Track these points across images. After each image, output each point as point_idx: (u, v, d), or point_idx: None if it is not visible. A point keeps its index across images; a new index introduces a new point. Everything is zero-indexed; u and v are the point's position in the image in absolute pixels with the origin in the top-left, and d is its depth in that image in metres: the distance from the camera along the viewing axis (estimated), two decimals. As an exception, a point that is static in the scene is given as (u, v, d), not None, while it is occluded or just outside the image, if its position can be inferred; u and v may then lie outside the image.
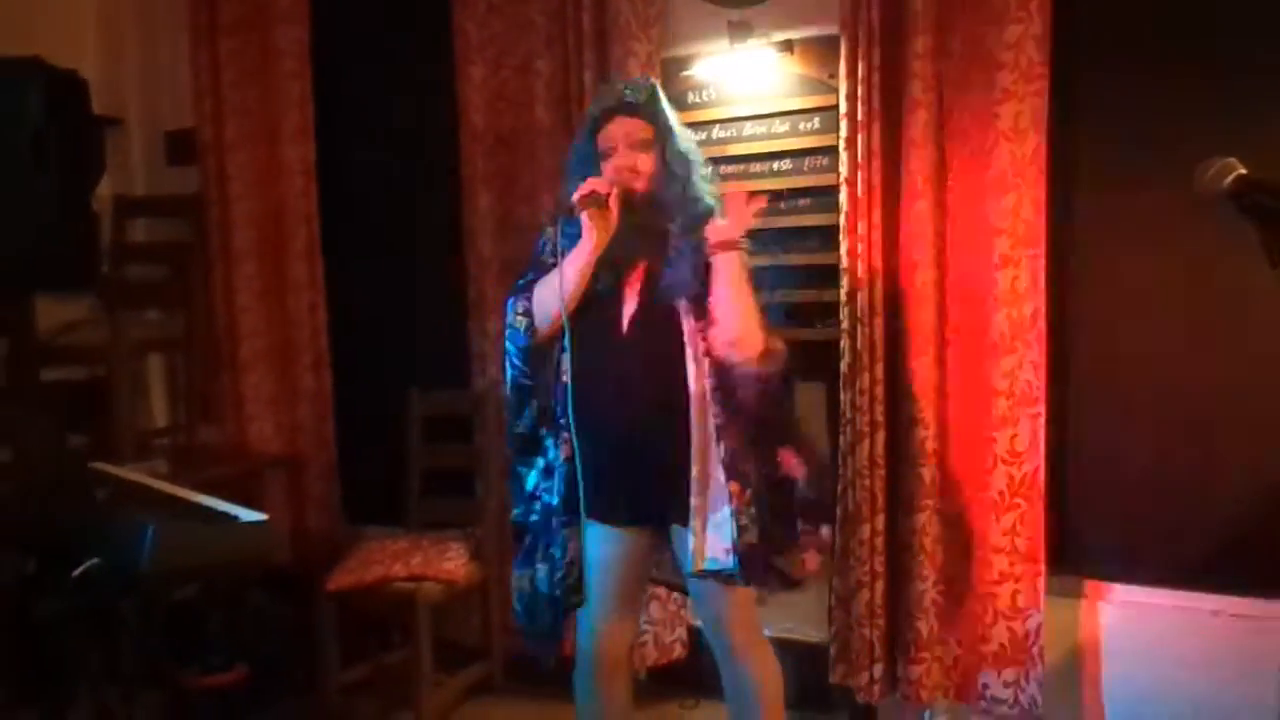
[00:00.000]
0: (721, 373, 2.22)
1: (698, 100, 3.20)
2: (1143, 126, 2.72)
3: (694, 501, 2.21)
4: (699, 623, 2.45)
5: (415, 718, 3.10)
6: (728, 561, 2.19)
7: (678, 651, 3.21)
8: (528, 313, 2.32)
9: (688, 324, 2.24)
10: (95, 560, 2.14)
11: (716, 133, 3.18)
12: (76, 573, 2.15)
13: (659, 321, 2.26)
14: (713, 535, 2.21)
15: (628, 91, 2.30)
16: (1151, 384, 2.79)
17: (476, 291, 3.44)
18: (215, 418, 3.94)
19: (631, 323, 2.28)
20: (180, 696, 3.28)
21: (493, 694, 3.38)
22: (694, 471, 2.21)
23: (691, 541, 2.21)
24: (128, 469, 2.75)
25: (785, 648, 3.19)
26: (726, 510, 2.19)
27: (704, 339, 2.22)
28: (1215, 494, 2.73)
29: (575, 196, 2.19)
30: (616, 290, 2.30)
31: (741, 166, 3.16)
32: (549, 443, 2.35)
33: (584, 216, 2.20)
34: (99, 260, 3.74)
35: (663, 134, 2.28)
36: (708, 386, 2.22)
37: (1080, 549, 2.89)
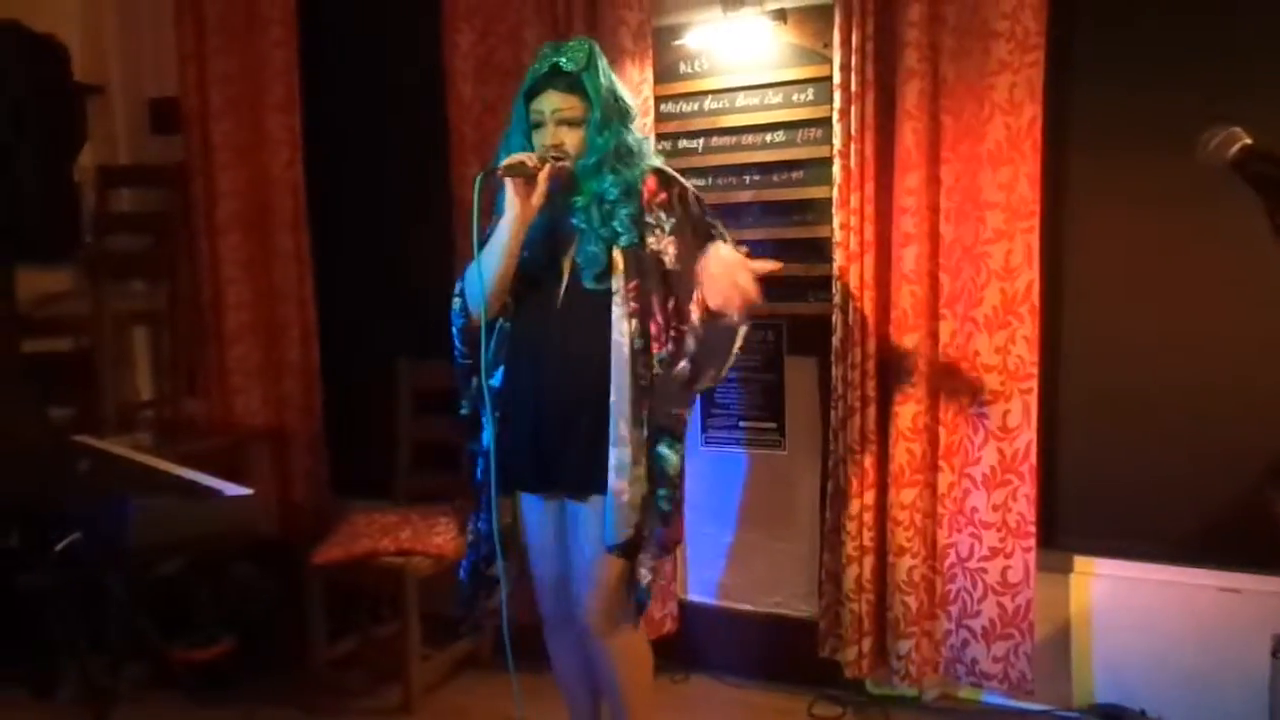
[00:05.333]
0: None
1: (689, 70, 3.16)
2: (1141, 99, 2.70)
3: (614, 479, 2.20)
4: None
5: (404, 691, 3.10)
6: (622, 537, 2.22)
7: (668, 626, 3.21)
8: (462, 293, 2.32)
9: (618, 282, 2.20)
10: (78, 534, 2.12)
11: (709, 104, 3.14)
12: (60, 546, 2.13)
13: (591, 296, 2.23)
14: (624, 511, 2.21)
15: (563, 60, 2.21)
16: (1145, 359, 2.78)
17: (465, 263, 3.39)
18: (201, 390, 3.90)
19: (564, 300, 2.27)
20: (167, 670, 3.27)
21: (481, 668, 3.38)
22: (614, 451, 2.19)
23: (613, 515, 2.21)
24: (112, 441, 2.73)
25: (774, 622, 3.22)
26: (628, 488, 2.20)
27: (635, 298, 2.18)
28: (1206, 469, 2.73)
29: (500, 166, 2.16)
30: (558, 264, 2.29)
31: (734, 138, 3.12)
32: (486, 421, 2.34)
33: (508, 188, 2.17)
34: (81, 231, 3.70)
35: (593, 107, 2.21)
36: (636, 348, 2.18)
37: (1071, 524, 2.90)
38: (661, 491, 2.23)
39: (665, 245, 2.23)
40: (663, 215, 2.25)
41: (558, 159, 2.20)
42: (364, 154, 3.79)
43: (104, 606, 2.97)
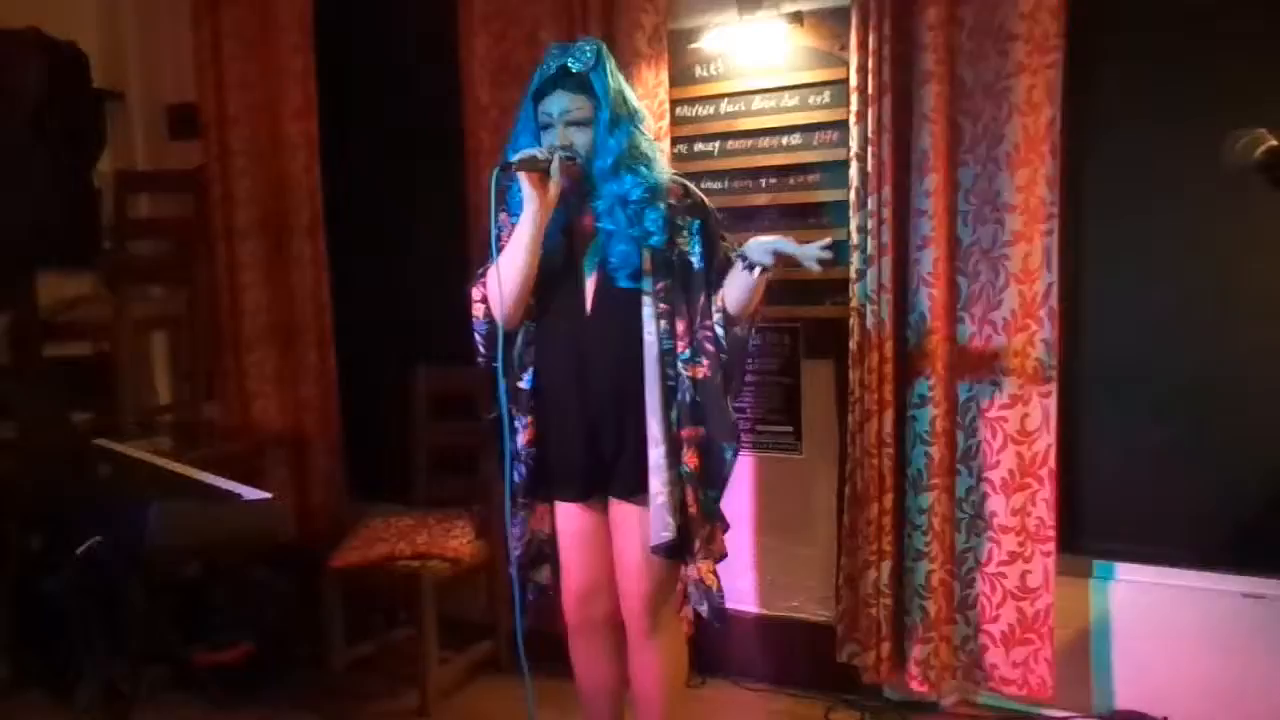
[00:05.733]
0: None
1: (705, 73, 3.15)
2: (1161, 100, 2.68)
3: (653, 480, 2.22)
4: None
5: (421, 695, 3.10)
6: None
7: (685, 630, 3.19)
8: (484, 299, 2.31)
9: (649, 283, 2.22)
10: (98, 538, 2.12)
11: (725, 107, 3.13)
12: (80, 550, 2.13)
13: (622, 297, 2.24)
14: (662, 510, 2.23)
15: (571, 61, 2.21)
16: (1165, 363, 2.76)
17: (480, 266, 3.40)
18: (219, 394, 3.93)
19: (595, 302, 2.27)
20: (186, 673, 3.29)
21: (498, 671, 3.38)
22: (652, 452, 2.21)
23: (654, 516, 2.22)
24: (131, 446, 2.73)
25: (792, 627, 3.21)
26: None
27: (664, 298, 2.22)
28: (1229, 473, 2.71)
29: (514, 160, 2.15)
30: (577, 265, 2.28)
31: (750, 141, 3.11)
32: (517, 425, 2.33)
33: (523, 184, 2.16)
34: (101, 236, 3.73)
35: (601, 108, 2.21)
36: (664, 348, 2.22)
37: (1091, 529, 2.88)
38: (712, 493, 2.28)
39: (691, 246, 2.26)
40: (688, 217, 2.27)
41: (568, 157, 2.19)
42: (380, 159, 3.81)
43: (124, 610, 2.98)
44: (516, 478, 2.35)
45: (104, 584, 2.92)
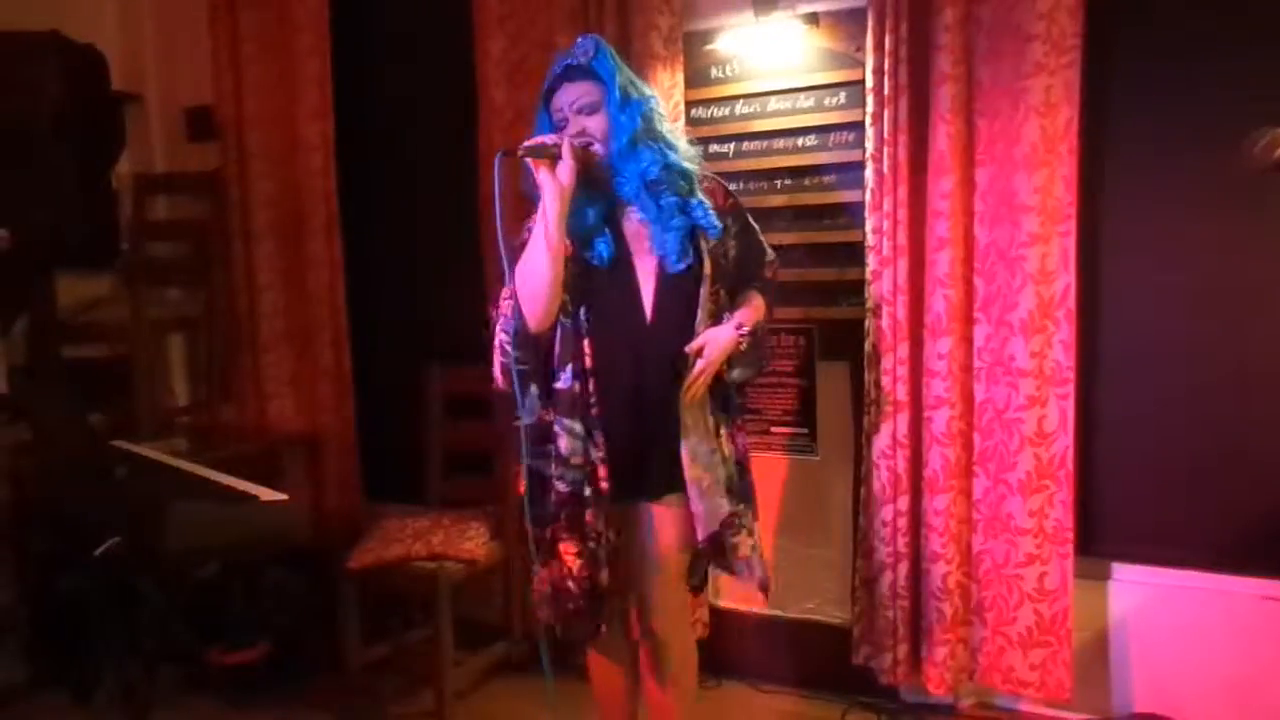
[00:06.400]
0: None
1: (721, 75, 3.15)
2: (1179, 100, 2.67)
3: (692, 468, 2.24)
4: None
5: (437, 696, 3.10)
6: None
7: (699, 631, 3.19)
8: (513, 295, 2.21)
9: (705, 289, 2.26)
10: (116, 539, 2.14)
11: (740, 108, 3.13)
12: (98, 551, 2.14)
13: (681, 301, 2.25)
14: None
15: (573, 58, 2.23)
16: (1183, 364, 2.74)
17: (497, 267, 3.41)
18: (235, 396, 3.94)
19: (655, 308, 2.25)
20: (203, 673, 3.31)
21: (514, 673, 3.38)
22: (686, 442, 2.24)
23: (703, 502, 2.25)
24: (148, 447, 2.75)
25: (808, 629, 3.20)
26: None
27: (713, 299, 2.28)
28: (1247, 476, 2.69)
29: (522, 147, 2.14)
30: (628, 261, 2.26)
31: (765, 143, 3.11)
32: (562, 429, 2.24)
33: (535, 173, 2.14)
34: (119, 238, 3.74)
35: (609, 89, 2.20)
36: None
37: (1109, 531, 2.86)
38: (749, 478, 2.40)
39: (730, 247, 2.35)
40: (730, 220, 2.34)
41: (585, 144, 2.19)
42: (396, 160, 3.82)
43: (141, 610, 3.00)
44: (564, 487, 2.24)
45: (122, 584, 2.94)
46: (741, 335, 2.26)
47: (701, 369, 2.21)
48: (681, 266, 2.22)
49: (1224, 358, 2.70)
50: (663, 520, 2.29)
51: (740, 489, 2.33)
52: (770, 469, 3.19)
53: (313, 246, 3.76)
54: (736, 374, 2.32)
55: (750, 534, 2.34)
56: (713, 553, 2.33)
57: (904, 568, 2.87)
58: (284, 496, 2.10)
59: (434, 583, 3.05)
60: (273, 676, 3.29)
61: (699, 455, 2.23)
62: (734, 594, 3.30)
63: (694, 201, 2.24)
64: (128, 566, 2.51)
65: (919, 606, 2.90)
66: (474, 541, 3.17)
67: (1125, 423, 2.83)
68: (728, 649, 3.26)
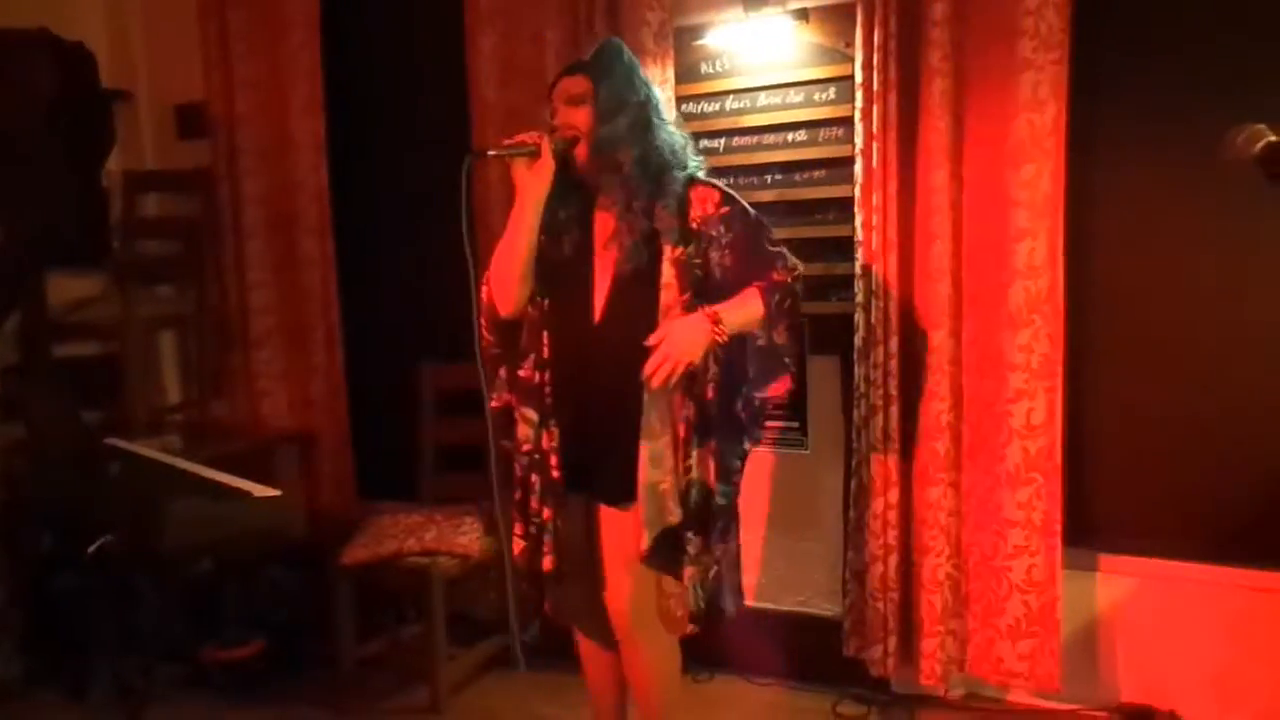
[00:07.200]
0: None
1: (711, 70, 3.16)
2: (1165, 95, 2.69)
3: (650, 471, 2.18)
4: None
5: (431, 692, 3.12)
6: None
7: (683, 627, 3.20)
8: (489, 281, 2.32)
9: (666, 296, 2.16)
10: (110, 536, 2.14)
11: (730, 103, 3.14)
12: (92, 548, 2.15)
13: (633, 305, 2.19)
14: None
15: (585, 52, 2.24)
16: (1171, 356, 2.76)
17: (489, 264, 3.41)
18: (228, 393, 3.95)
19: (605, 308, 2.23)
20: (197, 670, 3.31)
21: (508, 668, 3.39)
22: (646, 444, 2.17)
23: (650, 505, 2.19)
24: (141, 444, 2.75)
25: (799, 621, 3.22)
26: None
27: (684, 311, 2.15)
28: (1235, 467, 2.71)
29: (502, 145, 2.15)
30: (588, 259, 2.25)
31: (755, 138, 3.12)
32: (525, 417, 2.31)
33: (514, 172, 2.16)
34: (110, 236, 3.74)
35: (600, 84, 2.17)
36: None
37: (1097, 522, 2.88)
38: (723, 487, 2.25)
39: (720, 258, 2.20)
40: (722, 229, 2.21)
41: (569, 140, 2.18)
42: (387, 158, 3.82)
43: (136, 607, 3.01)
44: (519, 471, 2.33)
45: (116, 582, 2.95)
46: (717, 329, 2.11)
47: (663, 356, 2.07)
48: (629, 268, 2.18)
49: (1209, 351, 2.72)
50: (611, 523, 2.29)
51: (697, 513, 2.21)
52: (761, 463, 3.21)
53: (304, 244, 3.76)
54: (755, 394, 2.23)
55: (697, 564, 2.24)
56: (663, 562, 2.25)
57: (894, 560, 2.89)
58: (277, 492, 2.11)
59: (427, 578, 3.07)
60: (268, 673, 3.30)
61: (660, 460, 2.17)
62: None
63: (661, 205, 2.18)
64: (122, 564, 2.51)
65: (909, 598, 2.92)
66: (467, 537, 3.19)
67: (1112, 415, 2.85)
68: (719, 642, 3.27)
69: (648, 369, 2.08)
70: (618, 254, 2.19)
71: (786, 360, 2.24)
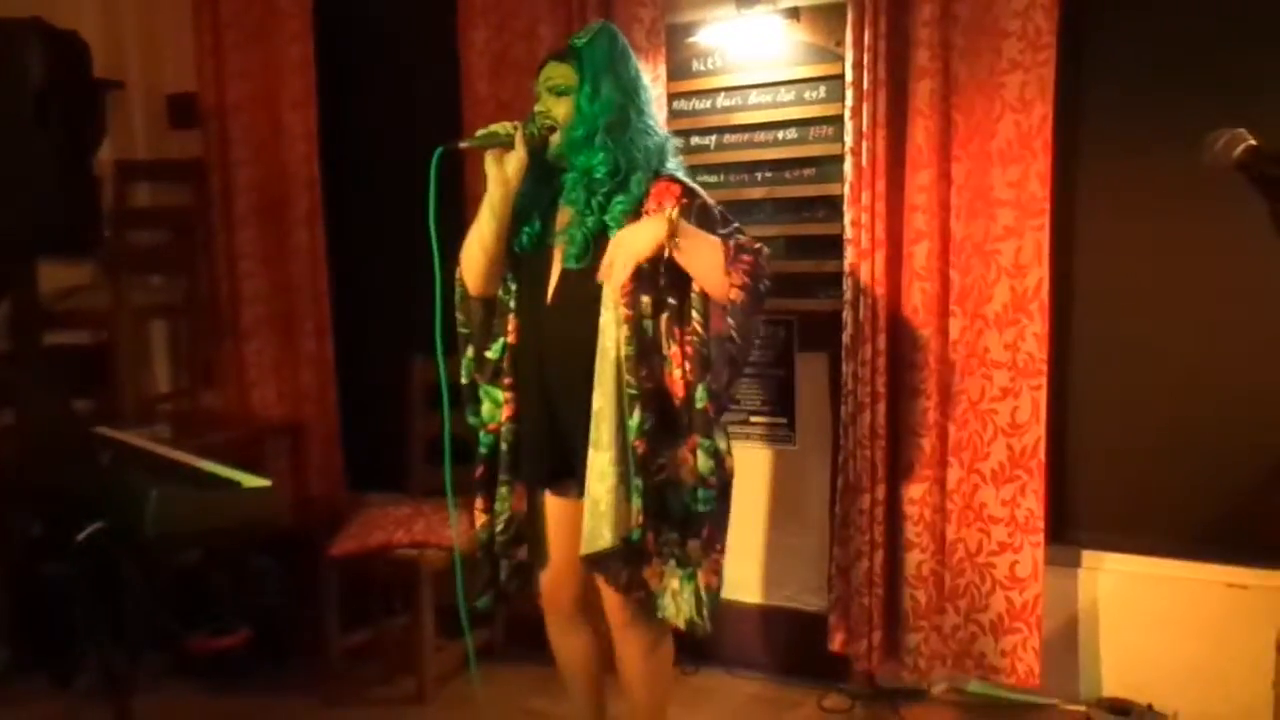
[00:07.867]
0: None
1: (702, 68, 3.17)
2: (1151, 98, 2.72)
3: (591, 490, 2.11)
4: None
5: (417, 682, 3.13)
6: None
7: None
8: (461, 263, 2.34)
9: (610, 288, 2.09)
10: (98, 524, 2.15)
11: (721, 101, 3.16)
12: (81, 536, 2.15)
13: (577, 296, 2.16)
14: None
15: (575, 38, 2.21)
16: (1154, 356, 2.79)
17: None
18: (218, 383, 3.95)
19: (556, 291, 2.22)
20: (185, 659, 3.31)
21: (494, 659, 3.41)
22: (594, 455, 2.10)
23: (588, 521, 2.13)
24: (131, 434, 2.75)
25: (785, 616, 3.24)
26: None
27: (628, 304, 2.07)
28: (1215, 465, 2.75)
29: (476, 134, 2.15)
30: (548, 247, 2.24)
31: (746, 136, 3.14)
32: (491, 396, 2.33)
33: (487, 158, 2.16)
34: (101, 225, 3.73)
35: (584, 77, 2.14)
36: (624, 355, 2.07)
37: (1080, 519, 2.92)
38: (701, 493, 2.15)
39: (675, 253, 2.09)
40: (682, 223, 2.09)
41: (545, 127, 2.17)
42: (379, 149, 3.82)
43: (123, 596, 3.01)
44: (489, 452, 2.33)
45: (104, 570, 2.94)
46: (672, 230, 2.01)
47: (613, 253, 2.03)
48: (574, 265, 2.16)
49: (1192, 350, 2.75)
50: (559, 517, 2.32)
51: (677, 518, 2.16)
52: (749, 458, 3.23)
53: (296, 234, 3.77)
54: (711, 385, 2.12)
55: (682, 566, 2.18)
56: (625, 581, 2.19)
57: (879, 556, 2.91)
58: (266, 482, 2.11)
59: (415, 569, 3.08)
60: (255, 662, 3.31)
61: (604, 476, 2.08)
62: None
63: (616, 201, 2.13)
64: (110, 552, 2.51)
65: (894, 594, 2.95)
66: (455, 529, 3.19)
67: (1096, 414, 2.88)
68: (706, 635, 3.29)
69: (601, 270, 2.07)
70: (565, 246, 2.19)
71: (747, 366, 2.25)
